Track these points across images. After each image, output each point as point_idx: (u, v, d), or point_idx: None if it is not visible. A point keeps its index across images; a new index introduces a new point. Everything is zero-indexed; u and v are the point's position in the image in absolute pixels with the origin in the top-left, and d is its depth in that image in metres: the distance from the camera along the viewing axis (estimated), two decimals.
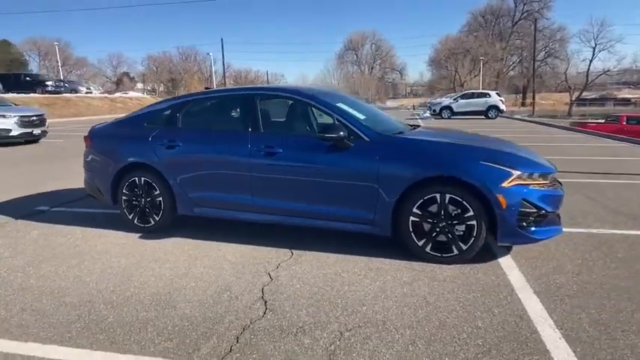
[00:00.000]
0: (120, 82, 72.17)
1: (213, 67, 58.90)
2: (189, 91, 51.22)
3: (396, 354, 2.24)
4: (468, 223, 3.30)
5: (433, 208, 3.34)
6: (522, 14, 53.51)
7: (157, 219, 4.23)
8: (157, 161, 4.13)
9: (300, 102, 3.90)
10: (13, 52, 59.75)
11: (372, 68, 71.69)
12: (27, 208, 5.30)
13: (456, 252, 3.36)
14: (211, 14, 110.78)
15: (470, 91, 28.40)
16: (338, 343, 2.35)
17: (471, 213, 3.28)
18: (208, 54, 57.84)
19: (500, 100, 24.46)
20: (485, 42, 51.57)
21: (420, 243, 3.41)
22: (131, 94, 42.66)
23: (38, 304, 2.88)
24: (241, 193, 3.89)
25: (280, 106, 4.11)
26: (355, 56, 71.98)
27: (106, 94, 37.12)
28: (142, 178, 4.21)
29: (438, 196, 3.32)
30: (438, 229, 3.36)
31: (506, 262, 3.43)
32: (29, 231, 4.44)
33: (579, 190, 5.89)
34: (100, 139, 4.56)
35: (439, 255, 3.39)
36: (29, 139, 12.46)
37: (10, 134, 11.86)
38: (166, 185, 4.13)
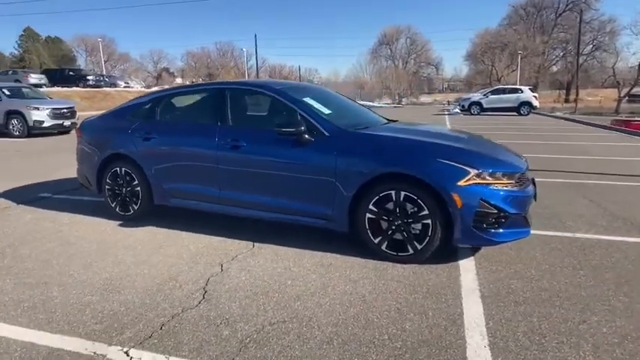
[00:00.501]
0: (159, 77, 74.63)
1: (246, 63, 59.76)
2: None
3: (307, 351, 2.22)
4: (424, 222, 3.21)
5: (389, 206, 3.27)
6: (567, 5, 50.70)
7: (136, 208, 4.37)
8: (135, 152, 4.26)
9: (267, 96, 3.90)
10: (63, 48, 63.07)
11: (406, 63, 70.39)
12: (32, 195, 5.61)
13: (411, 251, 3.27)
14: (249, 10, 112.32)
15: (501, 87, 27.36)
16: (255, 336, 2.35)
17: (426, 212, 3.18)
18: (242, 49, 58.45)
19: (534, 97, 23.42)
20: (524, 35, 49.32)
21: (376, 240, 3.35)
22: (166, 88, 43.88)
23: (1, 282, 3.06)
24: (209, 185, 3.95)
25: (251, 101, 4.13)
26: (389, 51, 70.90)
27: (144, 89, 38.53)
28: (123, 169, 4.36)
29: (393, 193, 3.25)
30: (393, 227, 3.29)
31: (466, 263, 3.31)
32: (24, 215, 4.71)
33: (582, 192, 5.58)
34: (88, 131, 4.76)
35: (395, 253, 3.31)
36: (61, 130, 13.15)
37: (43, 125, 12.56)
38: (144, 176, 4.26)
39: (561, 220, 4.39)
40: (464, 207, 3.08)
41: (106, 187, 4.48)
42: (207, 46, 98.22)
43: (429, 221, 3.18)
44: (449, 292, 2.85)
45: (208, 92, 4.20)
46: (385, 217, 3.31)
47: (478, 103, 24.08)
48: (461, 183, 3.08)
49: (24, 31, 58.18)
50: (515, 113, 23.12)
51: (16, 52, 59.15)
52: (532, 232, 3.83)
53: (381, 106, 43.22)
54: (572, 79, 42.84)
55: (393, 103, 49.90)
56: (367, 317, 2.54)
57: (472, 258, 3.41)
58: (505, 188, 3.17)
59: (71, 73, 31.20)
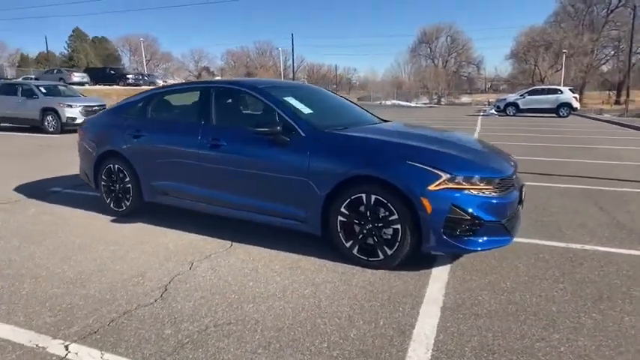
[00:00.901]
0: (199, 76, 76.67)
1: (282, 62, 60.26)
2: None
3: (240, 355, 2.19)
4: (394, 227, 3.10)
5: (361, 209, 3.18)
6: (620, 1, 47.80)
7: (128, 204, 4.48)
8: (126, 150, 4.37)
9: (250, 95, 3.89)
10: (109, 47, 66.10)
11: (446, 62, 68.80)
12: (45, 188, 5.89)
13: (381, 256, 3.16)
14: (288, 9, 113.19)
15: (539, 87, 26.16)
16: (195, 337, 2.34)
17: (396, 216, 3.07)
18: (278, 48, 59.12)
19: (574, 97, 22.24)
20: (570, 33, 46.88)
21: (348, 244, 3.26)
22: None
23: None
24: (192, 183, 3.99)
25: (235, 100, 4.14)
26: (429, 49, 69.54)
27: None
28: (116, 166, 4.49)
29: (364, 196, 3.15)
30: (365, 231, 3.19)
31: (440, 271, 3.17)
32: (29, 209, 4.93)
33: (597, 200, 5.22)
34: (87, 129, 4.92)
35: (366, 258, 3.22)
36: None
37: (76, 122, 13.15)
38: (134, 173, 4.36)
39: (560, 229, 4.13)
40: (434, 212, 2.94)
41: (102, 183, 4.63)
42: (246, 45, 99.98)
43: (399, 226, 3.07)
44: (409, 301, 2.73)
45: (196, 91, 4.24)
46: (357, 221, 3.22)
47: (514, 104, 23.15)
48: (431, 187, 2.94)
49: (73, 31, 61.50)
50: (554, 115, 22.06)
51: (65, 51, 62.58)
52: (524, 240, 3.64)
53: (417, 106, 42.51)
54: (624, 79, 40.31)
55: (430, 103, 48.95)
56: (315, 323, 2.48)
57: (448, 266, 3.26)
58: (481, 194, 3.01)
59: (112, 71, 32.70)
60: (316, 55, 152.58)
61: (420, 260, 3.23)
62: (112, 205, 4.59)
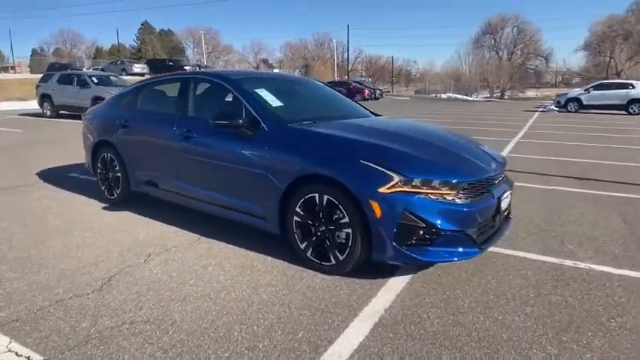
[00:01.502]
0: (257, 68, 78.38)
1: (335, 53, 59.92)
2: (321, 77, 53.28)
3: (138, 356, 2.10)
4: (345, 230, 2.87)
5: (316, 209, 2.98)
6: None
7: (118, 192, 4.59)
8: (116, 139, 4.46)
9: (223, 87, 3.77)
10: (174, 40, 69.37)
11: (511, 54, 64.82)
12: (64, 174, 6.22)
13: (333, 261, 2.95)
14: (347, 1, 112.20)
15: (606, 81, 23.80)
16: (106, 333, 2.29)
17: (347, 220, 2.84)
18: (332, 40, 58.75)
19: None
20: None
21: (303, 246, 3.08)
22: None
23: None
24: (168, 175, 3.98)
25: (210, 92, 4.04)
26: (493, 40, 65.87)
27: None
28: (108, 155, 4.60)
29: (317, 196, 2.95)
30: (319, 233, 2.99)
31: (397, 282, 2.90)
32: (35, 192, 5.17)
33: (623, 210, 4.59)
34: (89, 118, 5.09)
35: (319, 262, 3.02)
36: None
37: None
38: (123, 162, 4.44)
39: (563, 241, 3.66)
40: (384, 217, 2.69)
41: (98, 171, 4.77)
42: (305, 38, 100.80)
43: (350, 230, 2.84)
44: (344, 313, 2.51)
45: (178, 82, 4.22)
46: (310, 222, 3.03)
47: (577, 100, 21.25)
48: (382, 190, 2.68)
49: (142, 24, 65.20)
50: (623, 112, 19.98)
51: (134, 44, 66.53)
52: (512, 252, 3.32)
53: (474, 100, 40.56)
54: None
55: (491, 97, 46.46)
56: (230, 329, 2.34)
57: (409, 276, 2.98)
58: (441, 199, 2.70)
59: (171, 63, 34.24)
60: (375, 47, 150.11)
61: (380, 268, 2.98)
62: (106, 192, 4.73)
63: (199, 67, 37.08)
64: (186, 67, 33.67)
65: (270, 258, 3.27)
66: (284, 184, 3.07)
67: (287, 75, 5.18)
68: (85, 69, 28.37)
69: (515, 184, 4.84)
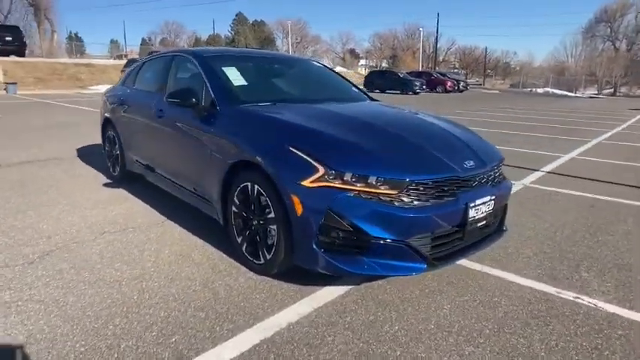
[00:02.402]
0: (344, 58, 78.20)
1: (422, 43, 57.42)
2: (407, 68, 51.53)
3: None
4: (271, 226, 2.51)
5: (250, 200, 2.66)
6: None
7: (118, 170, 4.65)
8: (115, 118, 4.51)
9: (193, 64, 3.54)
10: (265, 30, 71.75)
11: (632, 44, 56.79)
12: (96, 150, 6.53)
13: (262, 260, 2.61)
14: None
15: None
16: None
17: (272, 214, 2.47)
18: (420, 29, 56.25)
19: None
20: None
21: (239, 239, 2.78)
22: (338, 68, 45.95)
23: None
24: (146, 154, 3.92)
25: (188, 69, 3.82)
26: (609, 29, 58.18)
27: None
28: (111, 132, 4.68)
29: (249, 185, 2.62)
30: (253, 227, 2.67)
31: (328, 292, 2.47)
32: (63, 165, 5.48)
33: None
34: (105, 97, 5.22)
35: (251, 259, 2.70)
36: None
37: None
38: (120, 140, 4.48)
39: (577, 267, 2.91)
40: (305, 215, 2.28)
41: (106, 148, 4.90)
42: (394, 28, 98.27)
43: (275, 227, 2.47)
44: (239, 322, 2.17)
45: (163, 60, 4.10)
46: (245, 214, 2.72)
47: None
48: (305, 182, 2.27)
49: (236, 15, 68.41)
50: None
51: (229, 34, 70.07)
52: (501, 274, 2.77)
53: (576, 96, 36.31)
54: None
55: (599, 94, 41.21)
56: (108, 322, 2.13)
57: (348, 287, 2.53)
58: (377, 200, 2.21)
59: None
60: (470, 37, 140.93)
61: (323, 274, 2.56)
62: (111, 169, 4.83)
63: None
64: None
65: (213, 249, 3.02)
66: (224, 169, 2.78)
67: (278, 54, 4.82)
68: None
69: (561, 190, 4.04)
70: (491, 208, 2.56)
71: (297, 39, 71.20)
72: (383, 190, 2.23)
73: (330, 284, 2.55)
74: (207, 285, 2.53)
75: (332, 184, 2.23)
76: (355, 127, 2.71)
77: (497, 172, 2.76)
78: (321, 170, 2.25)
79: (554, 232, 3.55)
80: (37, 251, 2.93)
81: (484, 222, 2.54)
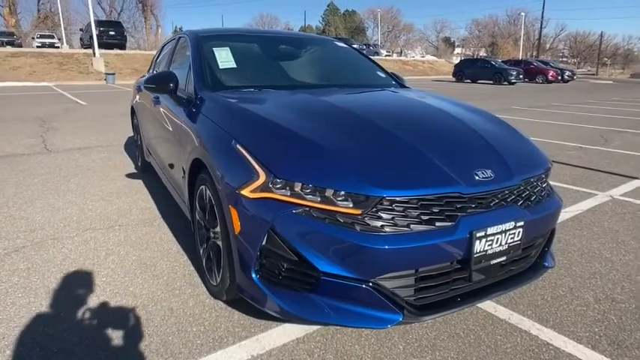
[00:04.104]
0: (437, 48, 74.52)
1: (525, 30, 52.22)
2: (509, 56, 47.39)
3: None
4: (217, 242, 2.01)
5: (205, 206, 2.19)
6: None
7: (140, 160, 4.50)
8: (136, 107, 4.34)
9: (188, 45, 3.12)
10: (356, 20, 70.95)
11: None
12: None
13: (214, 282, 2.13)
14: None
15: None
16: None
17: (218, 229, 1.98)
18: (522, 14, 51.05)
19: None
20: None
21: (201, 251, 2.34)
22: (427, 57, 43.57)
23: None
24: (149, 142, 3.66)
25: (185, 51, 3.44)
26: None
27: (401, 58, 39.34)
28: (135, 122, 4.54)
29: (203, 188, 2.15)
30: (209, 241, 2.20)
31: (293, 330, 1.92)
32: (103, 154, 5.48)
33: None
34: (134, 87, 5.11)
35: (208, 278, 2.24)
36: None
37: None
38: (139, 129, 4.31)
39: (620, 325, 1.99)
40: (243, 234, 1.75)
41: (135, 137, 4.79)
42: (495, 14, 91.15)
43: (220, 245, 1.97)
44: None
45: (171, 42, 3.76)
46: (203, 223, 2.26)
47: None
48: (245, 192, 1.73)
49: (327, 6, 68.41)
50: None
51: (320, 25, 70.48)
52: (544, 333, 2.08)
53: None
54: None
55: None
56: (22, 321, 1.82)
57: (315, 330, 1.95)
58: (333, 221, 1.60)
59: None
60: (581, 21, 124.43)
61: None
62: (138, 159, 4.72)
63: (367, 45, 36.96)
64: (353, 46, 33.93)
65: (185, 259, 2.63)
66: (187, 167, 2.35)
67: (290, 33, 4.20)
68: None
69: None
70: (517, 239, 1.78)
71: (388, 28, 69.42)
72: (342, 207, 1.60)
73: (290, 321, 1.99)
74: (146, 307, 2.12)
75: (276, 196, 1.66)
76: (336, 121, 2.07)
77: (534, 187, 1.95)
78: (262, 177, 1.69)
79: (638, 270, 2.57)
80: (10, 246, 2.76)
81: (504, 257, 1.78)
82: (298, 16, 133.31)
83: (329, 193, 1.62)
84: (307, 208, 1.62)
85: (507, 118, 9.28)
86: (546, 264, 2.07)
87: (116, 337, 1.87)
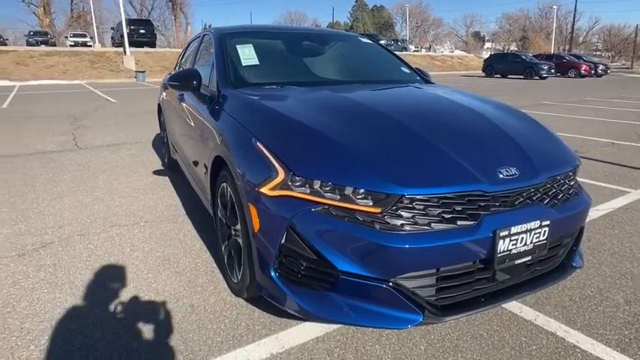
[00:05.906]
0: (466, 43, 72.98)
1: (557, 23, 50.44)
2: (540, 51, 45.94)
3: None
4: (239, 241, 2.02)
5: (227, 205, 2.20)
6: None
7: (167, 157, 4.58)
8: (162, 104, 4.41)
9: (212, 43, 3.13)
10: (384, 15, 70.25)
11: None
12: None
13: (235, 279, 2.14)
14: None
15: None
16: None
17: (239, 226, 1.98)
18: (554, 7, 49.28)
19: None
20: None
21: (223, 248, 2.35)
22: (456, 52, 42.72)
23: None
24: (174, 140, 3.72)
25: (209, 48, 3.46)
26: None
27: (430, 53, 38.70)
28: (162, 119, 4.62)
29: (224, 186, 2.17)
30: (230, 238, 2.21)
31: (297, 332, 1.91)
32: (131, 150, 5.60)
33: None
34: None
35: (230, 275, 2.25)
36: None
37: None
38: (165, 126, 4.38)
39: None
40: (263, 233, 1.75)
41: (162, 134, 4.88)
42: (526, 7, 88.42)
43: (241, 242, 1.98)
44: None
45: (196, 40, 3.79)
46: (224, 220, 2.28)
47: None
48: (264, 189, 1.73)
49: (356, 1, 67.95)
50: None
51: (348, 21, 70.14)
52: (572, 335, 2.00)
53: None
54: None
55: None
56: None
57: (335, 329, 1.94)
58: (353, 220, 1.58)
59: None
60: (616, 14, 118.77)
61: None
62: (165, 156, 4.79)
63: (395, 41, 36.51)
64: (381, 42, 33.66)
65: (207, 255, 2.66)
66: (210, 164, 2.37)
67: (314, 29, 4.17)
68: None
69: None
70: (543, 238, 1.72)
71: (417, 23, 68.35)
72: (361, 206, 1.58)
73: (310, 320, 1.98)
74: (168, 303, 2.15)
75: (295, 194, 1.65)
76: (356, 117, 2.04)
77: (561, 185, 1.87)
78: (282, 174, 1.68)
79: None
80: (37, 242, 2.85)
81: (529, 257, 1.72)
82: (326, 12, 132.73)
83: (348, 191, 1.59)
84: (326, 207, 1.60)
85: (538, 114, 9.01)
86: (574, 264, 1.99)
87: (138, 333, 1.91)
